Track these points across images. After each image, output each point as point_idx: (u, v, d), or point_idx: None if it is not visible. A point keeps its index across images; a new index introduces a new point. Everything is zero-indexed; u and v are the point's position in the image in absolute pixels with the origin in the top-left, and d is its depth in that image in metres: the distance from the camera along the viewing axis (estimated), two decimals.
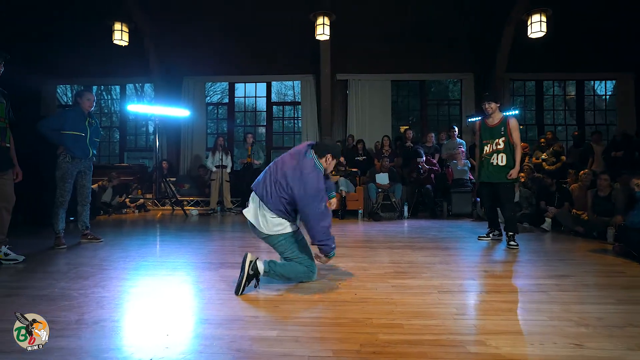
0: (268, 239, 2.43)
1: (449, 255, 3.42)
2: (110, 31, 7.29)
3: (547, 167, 6.58)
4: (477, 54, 8.64)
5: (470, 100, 8.70)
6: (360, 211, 6.63)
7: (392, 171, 6.68)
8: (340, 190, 6.50)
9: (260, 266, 2.25)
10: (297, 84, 13.32)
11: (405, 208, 6.55)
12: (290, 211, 2.38)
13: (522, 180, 5.74)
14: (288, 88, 17.24)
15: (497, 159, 3.91)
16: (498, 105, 4.01)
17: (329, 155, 2.43)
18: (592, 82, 10.31)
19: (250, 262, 2.21)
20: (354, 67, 8.80)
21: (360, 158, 7.64)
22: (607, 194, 4.56)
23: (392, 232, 4.93)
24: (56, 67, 8.94)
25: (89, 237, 3.93)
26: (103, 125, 10.59)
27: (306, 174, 2.28)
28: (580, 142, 7.38)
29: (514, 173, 3.83)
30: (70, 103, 13.96)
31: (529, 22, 6.68)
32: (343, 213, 6.47)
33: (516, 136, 3.87)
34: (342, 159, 6.91)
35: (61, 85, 11.28)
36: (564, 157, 6.65)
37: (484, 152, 4.02)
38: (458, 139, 7.47)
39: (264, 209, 2.36)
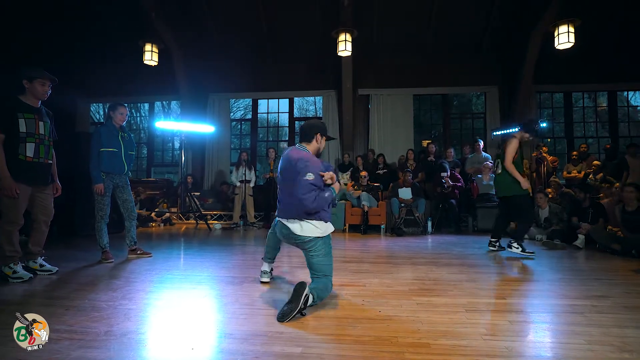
0: (308, 243, 2.34)
1: (476, 272, 3.31)
2: (140, 51, 7.61)
3: (610, 178, 6.33)
4: (502, 66, 8.53)
5: (495, 113, 8.55)
6: (382, 226, 6.55)
7: (415, 186, 6.60)
8: (363, 204, 6.46)
9: (310, 299, 2.11)
10: (319, 99, 13.44)
11: (429, 223, 6.42)
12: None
13: (550, 196, 5.55)
14: (310, 103, 17.46)
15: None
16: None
17: (317, 136, 2.51)
18: (626, 93, 9.93)
19: (306, 295, 2.05)
20: (376, 82, 8.84)
21: (380, 171, 7.60)
22: (634, 208, 4.35)
23: (416, 247, 4.83)
24: (89, 87, 9.42)
25: (137, 252, 3.87)
26: None
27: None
28: (613, 155, 7.09)
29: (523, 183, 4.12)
30: (102, 121, 14.63)
31: (556, 34, 6.52)
32: (365, 228, 6.40)
33: (507, 151, 4.14)
34: (364, 173, 6.89)
35: (94, 104, 11.85)
36: (614, 182, 6.23)
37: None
38: (484, 153, 7.32)
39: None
